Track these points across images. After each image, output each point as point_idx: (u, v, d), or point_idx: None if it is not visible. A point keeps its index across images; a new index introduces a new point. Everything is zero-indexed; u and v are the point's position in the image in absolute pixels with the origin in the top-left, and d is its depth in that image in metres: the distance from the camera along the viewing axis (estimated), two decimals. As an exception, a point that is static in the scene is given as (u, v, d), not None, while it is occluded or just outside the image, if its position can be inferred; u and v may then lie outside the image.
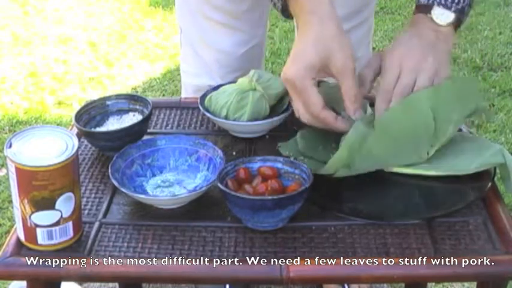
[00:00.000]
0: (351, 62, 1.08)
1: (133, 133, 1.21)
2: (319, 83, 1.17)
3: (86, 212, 1.09)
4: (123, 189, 1.08)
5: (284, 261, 0.97)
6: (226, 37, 1.52)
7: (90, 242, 1.03)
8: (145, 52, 3.24)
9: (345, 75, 1.08)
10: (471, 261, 0.97)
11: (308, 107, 1.09)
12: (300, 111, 1.11)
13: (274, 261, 0.98)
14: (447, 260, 0.97)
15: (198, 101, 1.29)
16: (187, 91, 1.63)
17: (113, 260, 0.99)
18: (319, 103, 1.08)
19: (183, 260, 0.99)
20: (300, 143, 1.18)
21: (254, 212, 1.00)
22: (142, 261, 0.99)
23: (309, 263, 0.98)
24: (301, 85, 1.08)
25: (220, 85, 1.32)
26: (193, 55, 1.58)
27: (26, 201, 0.97)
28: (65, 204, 0.98)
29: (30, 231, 0.99)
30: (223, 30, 1.51)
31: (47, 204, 0.97)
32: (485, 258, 0.97)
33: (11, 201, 2.08)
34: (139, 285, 1.54)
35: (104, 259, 0.99)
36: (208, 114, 1.26)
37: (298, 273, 0.97)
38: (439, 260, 0.97)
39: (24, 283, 1.04)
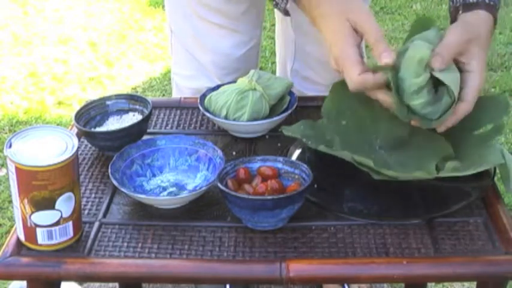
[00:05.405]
0: (372, 16, 1.10)
1: (133, 133, 1.21)
2: None
3: (86, 212, 1.09)
4: (123, 189, 1.08)
5: (284, 261, 0.98)
6: (225, 39, 1.51)
7: (90, 242, 1.03)
8: (145, 52, 3.24)
9: (369, 23, 1.09)
10: (471, 261, 0.97)
11: (347, 75, 1.08)
12: (347, 81, 1.09)
13: (274, 261, 0.98)
14: (447, 260, 0.97)
15: (198, 101, 1.29)
16: (184, 94, 1.61)
17: (113, 260, 0.99)
18: (356, 68, 1.07)
19: (183, 260, 0.99)
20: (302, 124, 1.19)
21: (254, 212, 1.00)
22: (142, 261, 0.99)
23: (309, 263, 0.98)
24: (343, 56, 1.08)
25: (220, 85, 1.32)
26: (187, 58, 1.56)
27: (26, 201, 0.97)
28: (65, 204, 0.98)
29: (30, 231, 0.99)
30: (222, 32, 1.50)
31: (47, 204, 0.97)
32: (485, 258, 0.97)
33: (11, 201, 2.09)
34: (139, 285, 1.54)
35: (104, 259, 1.00)
36: (208, 114, 1.26)
37: (298, 273, 0.97)
38: (439, 260, 0.97)
39: (24, 283, 1.04)
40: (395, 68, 1.08)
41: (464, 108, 1.09)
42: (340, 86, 1.16)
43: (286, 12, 1.20)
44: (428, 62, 1.06)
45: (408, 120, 1.10)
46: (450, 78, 1.07)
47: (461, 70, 1.10)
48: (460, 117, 1.10)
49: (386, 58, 1.06)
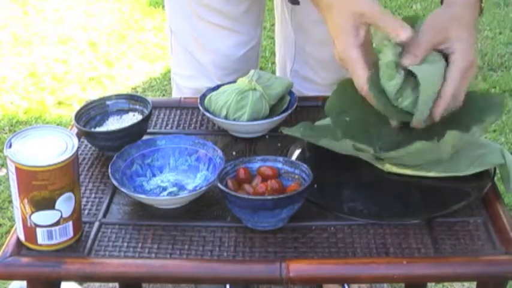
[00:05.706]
0: (376, 3, 1.09)
1: (133, 133, 1.21)
2: None
3: (86, 212, 1.09)
4: (123, 189, 1.08)
5: (284, 261, 0.98)
6: (225, 39, 1.51)
7: (90, 242, 1.03)
8: (145, 52, 3.24)
9: (374, 9, 1.08)
10: (471, 261, 0.97)
11: (354, 79, 1.10)
12: (355, 83, 1.11)
13: (274, 261, 0.98)
14: (447, 260, 0.97)
15: (198, 101, 1.29)
16: (184, 94, 1.60)
17: (113, 260, 0.99)
18: (363, 77, 1.09)
19: (183, 260, 0.99)
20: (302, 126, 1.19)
21: (254, 212, 1.00)
22: (142, 261, 0.99)
23: (308, 263, 0.98)
24: (346, 56, 1.09)
25: (220, 85, 1.32)
26: (187, 58, 1.56)
27: (26, 201, 0.97)
28: (65, 204, 0.98)
29: (30, 231, 0.99)
30: (223, 33, 1.50)
31: (47, 204, 0.97)
32: (485, 258, 0.97)
33: (11, 201, 2.09)
34: (139, 285, 1.54)
35: (104, 259, 1.00)
36: (208, 114, 1.26)
37: (298, 273, 0.97)
38: (439, 260, 0.97)
39: (24, 283, 1.04)
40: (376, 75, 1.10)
41: (448, 89, 1.08)
42: (347, 83, 1.16)
43: (294, 1, 1.18)
44: (398, 62, 1.07)
45: (396, 119, 1.11)
46: (425, 69, 1.07)
47: (446, 56, 1.10)
48: (447, 99, 1.08)
49: (403, 34, 1.06)
